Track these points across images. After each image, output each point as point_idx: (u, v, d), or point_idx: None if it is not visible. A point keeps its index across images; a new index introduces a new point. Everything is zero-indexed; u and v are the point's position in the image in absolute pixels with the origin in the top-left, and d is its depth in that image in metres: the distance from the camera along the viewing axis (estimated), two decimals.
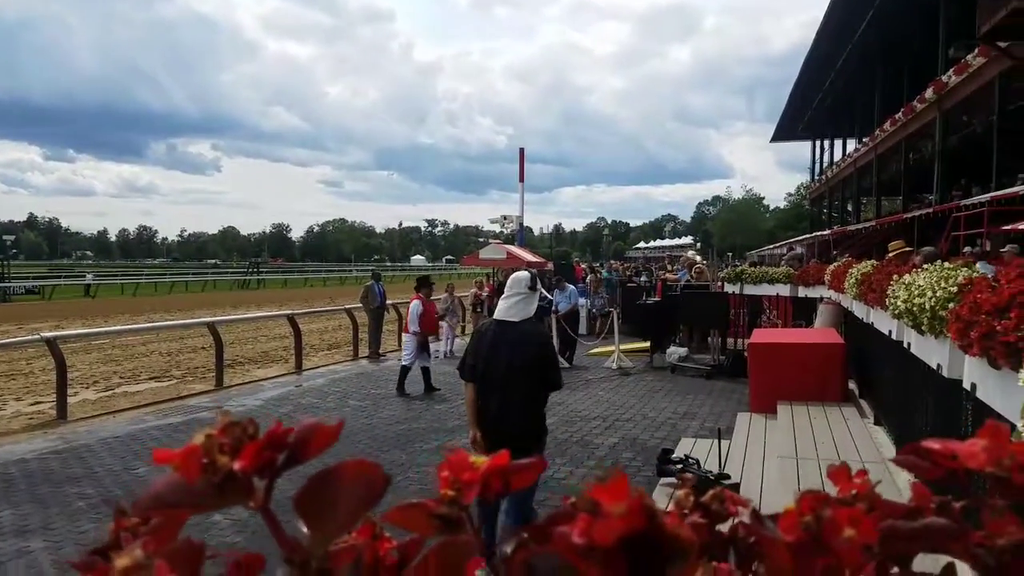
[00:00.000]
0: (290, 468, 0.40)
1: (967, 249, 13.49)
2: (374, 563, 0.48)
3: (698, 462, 5.61)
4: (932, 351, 4.45)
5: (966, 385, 3.66)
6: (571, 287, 14.49)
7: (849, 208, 32.12)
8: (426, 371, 10.77)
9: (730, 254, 43.98)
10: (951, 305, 3.73)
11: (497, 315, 4.30)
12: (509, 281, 4.35)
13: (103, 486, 6.43)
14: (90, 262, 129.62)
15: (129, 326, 19.37)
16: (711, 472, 5.34)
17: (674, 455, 5.89)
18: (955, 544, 0.47)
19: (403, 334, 11.51)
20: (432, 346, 11.76)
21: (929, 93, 17.93)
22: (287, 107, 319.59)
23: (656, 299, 14.31)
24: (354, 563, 0.45)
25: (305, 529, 0.39)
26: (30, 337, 10.91)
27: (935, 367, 4.37)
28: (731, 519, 0.53)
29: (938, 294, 3.99)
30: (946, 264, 4.50)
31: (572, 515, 0.37)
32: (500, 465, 0.46)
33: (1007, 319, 2.74)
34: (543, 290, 13.95)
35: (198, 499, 0.40)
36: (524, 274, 4.35)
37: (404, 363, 10.82)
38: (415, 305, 10.86)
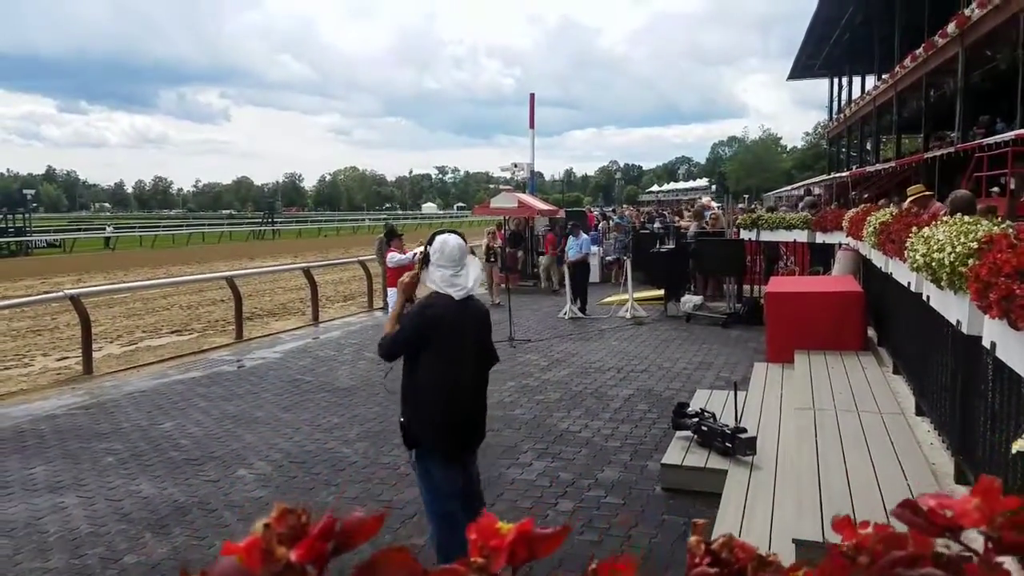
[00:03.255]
0: (338, 555, 0.44)
1: (995, 190, 13.23)
2: None
3: (714, 415, 5.64)
4: (951, 306, 4.41)
5: (986, 343, 3.63)
6: (584, 235, 14.50)
7: (868, 147, 31.52)
8: None
9: (746, 196, 43.42)
10: (971, 261, 3.69)
11: (457, 292, 3.72)
12: (448, 250, 3.73)
13: (131, 442, 6.61)
14: (108, 214, 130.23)
15: (150, 281, 19.61)
16: (728, 426, 5.37)
17: (690, 408, 5.92)
18: None
19: (388, 289, 10.75)
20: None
21: (951, 27, 17.38)
22: (294, 54, 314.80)
23: (670, 246, 14.24)
24: None
25: None
26: (55, 294, 11.11)
27: (955, 323, 4.35)
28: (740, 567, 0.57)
29: (957, 250, 3.94)
30: (966, 217, 4.44)
31: None
32: (526, 532, 0.49)
33: None
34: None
35: None
36: (457, 239, 3.80)
37: None
38: (397, 257, 9.96)
